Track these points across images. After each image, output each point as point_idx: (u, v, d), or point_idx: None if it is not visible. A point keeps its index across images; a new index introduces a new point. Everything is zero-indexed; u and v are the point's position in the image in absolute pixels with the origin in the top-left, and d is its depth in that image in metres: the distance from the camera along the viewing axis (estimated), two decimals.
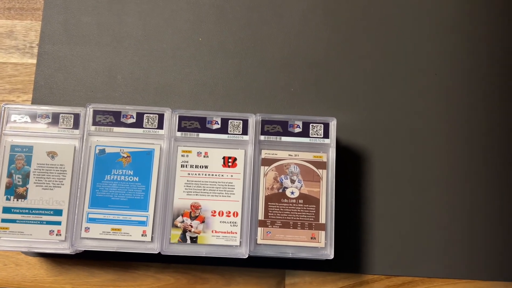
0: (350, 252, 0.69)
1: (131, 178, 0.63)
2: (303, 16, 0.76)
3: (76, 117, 0.65)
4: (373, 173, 0.72)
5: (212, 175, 0.64)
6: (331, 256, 0.63)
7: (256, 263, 0.68)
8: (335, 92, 0.74)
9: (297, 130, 0.66)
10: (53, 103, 0.73)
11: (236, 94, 0.74)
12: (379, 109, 0.74)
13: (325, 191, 0.65)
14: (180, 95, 0.74)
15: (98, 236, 0.62)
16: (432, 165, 0.72)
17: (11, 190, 0.63)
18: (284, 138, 0.66)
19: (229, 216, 0.63)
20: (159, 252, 0.62)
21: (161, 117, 0.65)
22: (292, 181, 0.65)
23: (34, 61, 0.75)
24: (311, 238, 0.64)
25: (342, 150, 0.71)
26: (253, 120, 0.66)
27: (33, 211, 0.63)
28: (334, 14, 0.76)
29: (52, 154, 0.64)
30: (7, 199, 0.63)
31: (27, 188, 0.63)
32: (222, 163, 0.65)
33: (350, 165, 0.72)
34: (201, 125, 0.65)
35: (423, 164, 0.72)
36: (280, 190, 0.65)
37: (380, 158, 0.72)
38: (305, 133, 0.66)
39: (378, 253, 0.70)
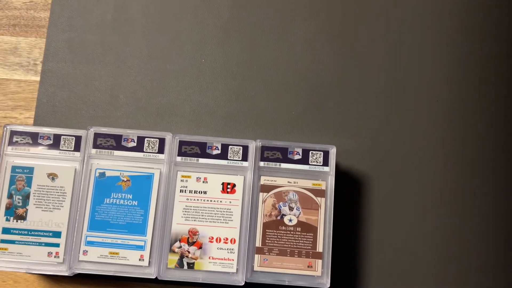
0: (346, 278, 0.70)
1: (130, 202, 0.64)
2: (306, 40, 0.76)
3: (78, 139, 0.65)
4: (371, 200, 0.72)
5: (211, 201, 0.65)
6: (327, 285, 0.63)
7: None
8: (336, 117, 0.74)
9: (297, 157, 0.66)
10: (55, 121, 0.73)
11: (237, 116, 0.74)
12: (379, 135, 0.74)
13: (323, 220, 0.65)
14: (182, 116, 0.74)
15: (96, 259, 0.63)
16: (431, 193, 0.72)
17: (11, 211, 0.64)
18: (283, 165, 0.66)
19: (226, 242, 0.64)
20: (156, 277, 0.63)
21: (161, 141, 0.66)
22: (291, 209, 0.65)
23: (38, 78, 0.75)
24: (308, 266, 0.64)
25: (341, 176, 0.71)
26: (253, 147, 0.66)
27: (32, 233, 0.63)
28: (338, 40, 0.76)
29: (52, 176, 0.64)
30: (7, 219, 0.63)
31: (27, 209, 0.64)
32: (221, 189, 0.65)
33: (348, 192, 0.72)
34: (201, 150, 0.66)
35: (423, 191, 0.72)
36: (278, 217, 0.65)
37: (378, 185, 0.72)
38: (304, 160, 0.66)
39: (374, 280, 0.70)
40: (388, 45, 0.76)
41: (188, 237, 0.64)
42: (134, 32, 0.76)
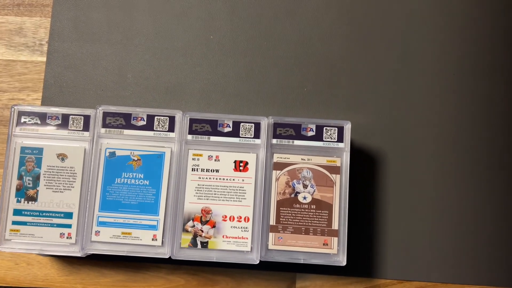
0: (362, 256, 0.68)
1: (141, 182, 0.63)
2: (317, 13, 0.74)
3: (86, 118, 0.64)
4: (386, 177, 0.70)
5: (223, 179, 0.63)
6: (344, 263, 0.62)
7: (267, 266, 0.68)
8: (349, 93, 0.72)
9: (310, 133, 0.65)
10: (63, 101, 0.72)
11: (247, 93, 0.72)
12: (394, 111, 0.72)
13: (338, 197, 0.63)
14: (191, 94, 0.72)
15: (109, 239, 0.62)
16: (447, 170, 0.70)
17: (21, 193, 0.63)
18: (296, 142, 0.64)
19: (240, 221, 0.62)
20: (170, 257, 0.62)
21: (172, 119, 0.64)
22: (305, 186, 0.64)
23: (44, 59, 0.74)
24: (324, 244, 0.63)
25: (356, 152, 0.70)
26: (265, 123, 0.64)
27: (44, 214, 0.63)
28: (349, 12, 0.74)
29: (62, 156, 0.63)
30: (18, 201, 0.63)
31: (38, 191, 0.63)
32: (234, 167, 0.64)
33: (363, 168, 0.70)
34: (212, 128, 0.64)
35: (438, 168, 0.70)
36: (292, 195, 0.64)
37: (394, 161, 0.71)
38: (318, 136, 0.65)
39: (391, 257, 0.69)
40: (402, 17, 0.74)
41: (201, 216, 0.62)
42: (140, 9, 0.74)
